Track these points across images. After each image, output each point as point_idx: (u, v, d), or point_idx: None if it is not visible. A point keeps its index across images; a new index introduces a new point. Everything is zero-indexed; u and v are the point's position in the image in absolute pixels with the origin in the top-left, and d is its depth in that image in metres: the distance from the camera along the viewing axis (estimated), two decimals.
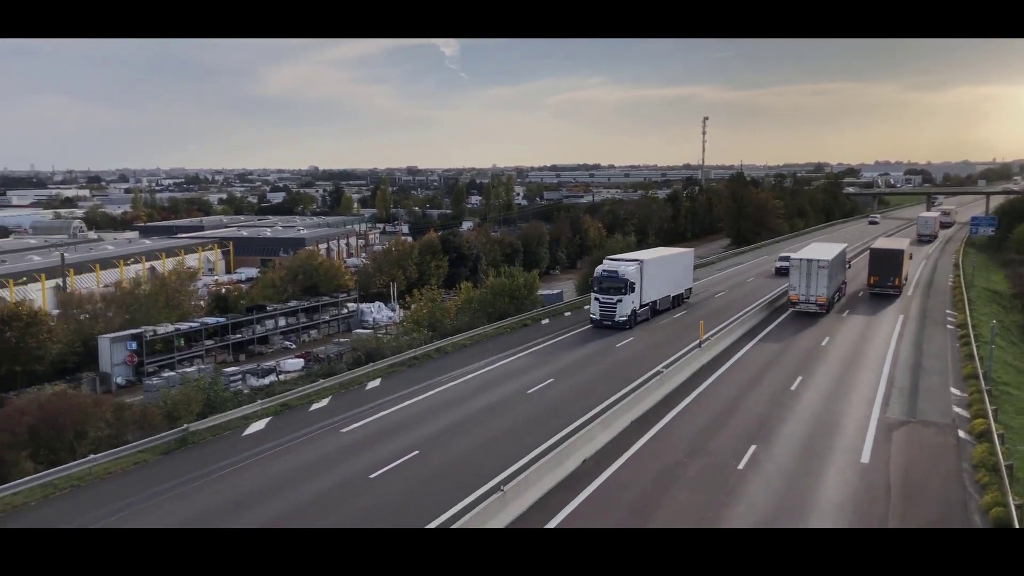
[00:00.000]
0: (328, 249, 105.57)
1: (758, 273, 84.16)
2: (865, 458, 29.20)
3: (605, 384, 39.54)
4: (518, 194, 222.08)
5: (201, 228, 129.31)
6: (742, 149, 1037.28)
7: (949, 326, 54.05)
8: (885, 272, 66.66)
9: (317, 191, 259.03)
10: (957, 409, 35.12)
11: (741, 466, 28.28)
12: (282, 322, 58.22)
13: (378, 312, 65.57)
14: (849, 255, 77.55)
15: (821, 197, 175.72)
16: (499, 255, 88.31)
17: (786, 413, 34.74)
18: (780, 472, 27.80)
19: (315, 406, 37.08)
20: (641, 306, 54.88)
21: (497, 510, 23.16)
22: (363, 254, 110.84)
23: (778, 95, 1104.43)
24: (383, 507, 25.23)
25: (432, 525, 23.38)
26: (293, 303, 60.55)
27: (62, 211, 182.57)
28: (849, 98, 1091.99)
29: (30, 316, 45.66)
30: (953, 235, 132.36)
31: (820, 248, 65.88)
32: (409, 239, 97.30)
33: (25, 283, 71.16)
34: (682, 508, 24.82)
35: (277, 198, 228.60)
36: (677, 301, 62.22)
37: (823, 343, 49.07)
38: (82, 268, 79.10)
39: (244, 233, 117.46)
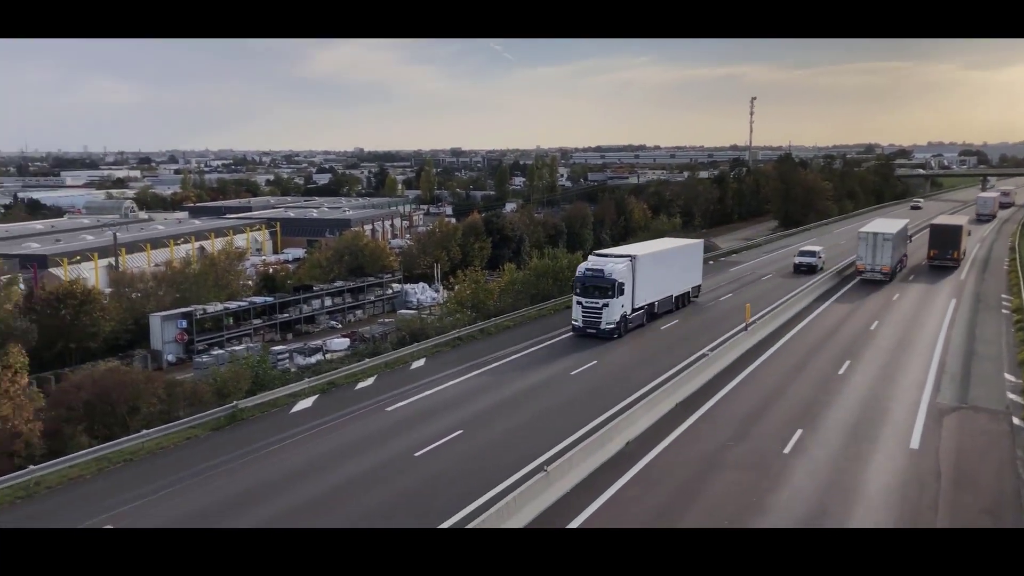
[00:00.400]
0: (373, 230, 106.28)
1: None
2: (915, 444, 28.75)
3: (646, 368, 39.39)
4: (562, 175, 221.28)
5: (249, 209, 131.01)
6: (791, 130, 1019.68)
7: (1004, 311, 52.81)
8: (945, 246, 72.38)
9: (362, 173, 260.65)
10: (1012, 396, 34.38)
11: (787, 451, 28.03)
12: (328, 302, 58.89)
13: (422, 293, 65.93)
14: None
15: (871, 179, 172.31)
16: (542, 236, 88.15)
17: (833, 397, 34.32)
18: (827, 457, 27.50)
19: (361, 385, 37.51)
20: (633, 310, 47.33)
21: (541, 490, 23.26)
22: (407, 235, 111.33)
23: (828, 75, 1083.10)
24: (428, 485, 25.49)
25: (479, 503, 23.59)
26: (339, 283, 61.14)
27: (114, 192, 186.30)
28: (901, 78, 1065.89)
29: (84, 294, 46.71)
30: (1011, 216, 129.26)
31: (885, 223, 72.35)
32: (453, 220, 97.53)
33: (79, 262, 72.84)
34: (726, 491, 24.69)
35: (323, 179, 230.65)
36: (682, 301, 54.65)
37: (872, 327, 48.31)
38: (134, 247, 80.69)
39: (291, 214, 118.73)
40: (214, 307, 50.76)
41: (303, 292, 57.56)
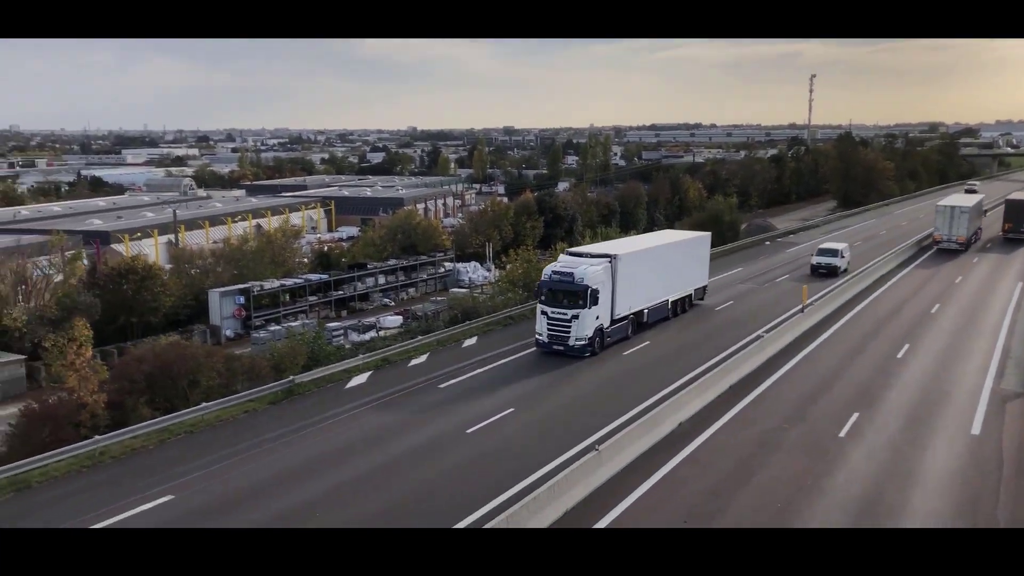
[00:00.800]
0: (426, 209, 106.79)
1: (865, 237, 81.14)
2: (976, 430, 28.10)
3: (699, 350, 39.06)
4: (616, 154, 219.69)
5: (304, 187, 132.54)
6: (851, 108, 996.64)
7: None
8: (1019, 220, 76.00)
9: (415, 151, 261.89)
10: None
11: (842, 434, 27.62)
12: (381, 280, 59.50)
13: (474, 272, 66.21)
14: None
15: (935, 158, 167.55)
16: (595, 216, 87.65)
17: (891, 381, 33.68)
18: (884, 441, 27.02)
19: (414, 362, 37.85)
20: (613, 321, 39.23)
21: (593, 468, 23.28)
22: (459, 214, 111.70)
23: (890, 51, 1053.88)
24: (480, 461, 25.69)
25: (531, 480, 23.69)
26: (392, 261, 61.71)
27: (173, 169, 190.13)
28: (969, 54, 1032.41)
29: (145, 270, 47.85)
30: None
31: (961, 198, 79.62)
32: (505, 199, 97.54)
33: (140, 238, 74.58)
34: (780, 474, 24.43)
35: (377, 158, 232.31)
36: (682, 306, 46.54)
37: (932, 310, 47.18)
38: (192, 224, 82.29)
39: (345, 192, 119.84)
40: (271, 284, 51.66)
41: (357, 270, 58.27)
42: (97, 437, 27.22)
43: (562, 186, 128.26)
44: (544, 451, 26.11)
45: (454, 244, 70.85)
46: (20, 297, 43.14)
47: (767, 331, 40.40)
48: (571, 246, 64.87)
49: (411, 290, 61.75)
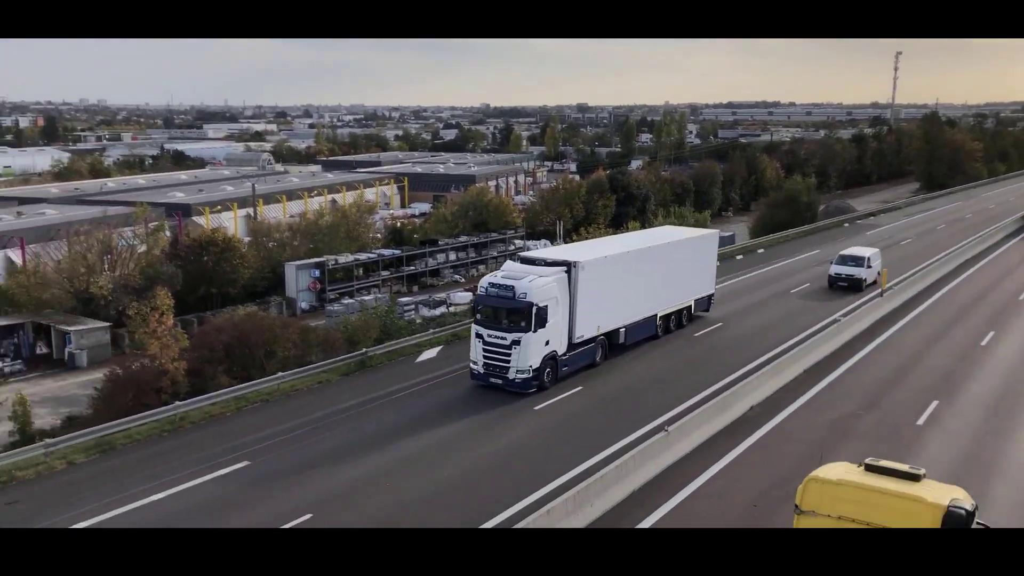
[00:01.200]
0: (497, 186, 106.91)
1: (949, 220, 78.41)
2: None
3: (775, 332, 38.35)
4: (691, 132, 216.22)
5: (378, 163, 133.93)
6: (938, 86, 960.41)
7: None
8: None
9: (488, 128, 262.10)
10: None
11: (920, 422, 26.87)
12: (452, 256, 59.97)
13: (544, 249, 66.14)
14: None
15: None
16: (669, 195, 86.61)
17: (974, 369, 32.60)
18: (964, 430, 26.21)
19: None
20: (573, 345, 31.33)
21: (661, 449, 23.16)
22: (530, 191, 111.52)
23: None
24: (547, 438, 25.85)
25: (597, 459, 23.68)
26: (463, 238, 62.10)
27: (252, 144, 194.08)
28: None
29: (225, 242, 49.16)
30: None
31: None
32: (576, 177, 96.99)
33: (220, 211, 76.48)
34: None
35: (450, 135, 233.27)
36: (677, 321, 38.27)
37: (1021, 296, 45.40)
38: (270, 199, 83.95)
39: (418, 169, 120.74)
40: (345, 258, 52.57)
41: (428, 246, 58.86)
42: (177, 403, 28.17)
43: (635, 164, 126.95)
44: (613, 430, 26.05)
45: (525, 222, 70.86)
46: (106, 266, 44.70)
47: (843, 315, 39.44)
48: (644, 225, 64.55)
49: (481, 267, 62.03)
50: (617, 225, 71.47)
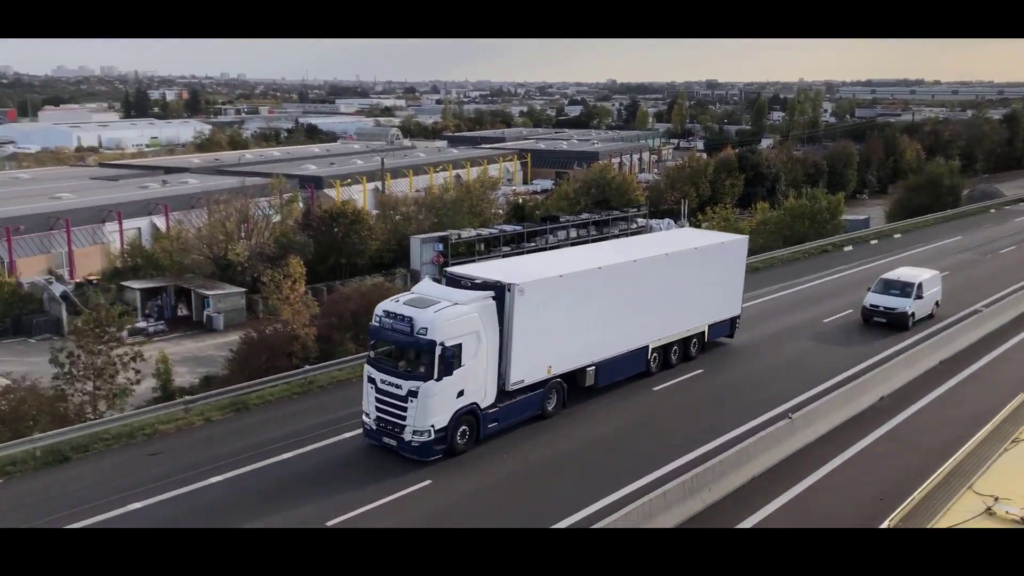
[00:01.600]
0: (620, 163, 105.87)
1: None
2: None
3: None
4: (826, 110, 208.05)
5: (502, 139, 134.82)
6: None
7: None
8: None
9: (613, 105, 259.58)
10: None
11: None
12: (573, 233, 59.77)
13: (667, 229, 65.20)
14: None
15: None
16: (800, 175, 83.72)
17: None
18: None
19: None
20: (504, 395, 24.00)
21: (784, 436, 22.57)
22: (655, 169, 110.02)
23: None
24: (672, 417, 25.62)
25: (715, 444, 23.31)
26: (585, 215, 61.85)
27: (381, 119, 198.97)
28: None
29: (354, 214, 50.70)
30: None
31: None
32: (703, 155, 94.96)
33: (350, 184, 78.74)
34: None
35: (574, 111, 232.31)
36: (682, 351, 30.40)
37: None
38: (397, 173, 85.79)
39: (542, 145, 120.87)
40: (468, 232, 53.26)
41: (550, 222, 58.87)
42: (307, 367, 29.32)
43: (766, 143, 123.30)
44: (740, 413, 25.50)
45: (648, 200, 69.96)
46: (243, 234, 46.81)
47: (985, 306, 37.24)
48: (772, 206, 62.64)
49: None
50: (744, 205, 69.79)
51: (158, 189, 66.72)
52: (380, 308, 23.38)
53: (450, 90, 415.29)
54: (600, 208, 64.36)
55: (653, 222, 65.76)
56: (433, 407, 21.98)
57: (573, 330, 25.80)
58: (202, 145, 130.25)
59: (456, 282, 24.61)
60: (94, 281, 48.33)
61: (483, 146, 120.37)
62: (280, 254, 43.65)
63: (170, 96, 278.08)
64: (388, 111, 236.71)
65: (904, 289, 35.66)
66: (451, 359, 21.98)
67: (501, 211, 63.43)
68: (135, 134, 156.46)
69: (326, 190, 74.65)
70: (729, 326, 32.61)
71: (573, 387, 26.34)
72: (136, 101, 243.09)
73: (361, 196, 75.17)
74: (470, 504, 20.52)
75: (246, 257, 44.45)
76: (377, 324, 23.15)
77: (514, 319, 23.52)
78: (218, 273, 45.02)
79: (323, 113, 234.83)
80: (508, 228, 56.47)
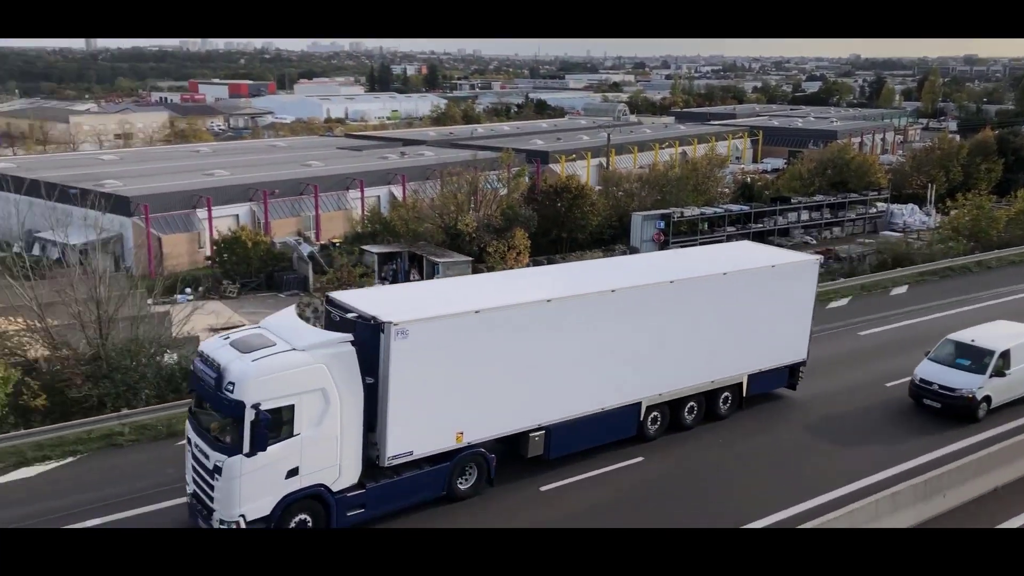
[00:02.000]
0: (861, 143, 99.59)
1: None
2: None
3: None
4: None
5: (733, 116, 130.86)
6: None
7: None
8: None
9: (856, 81, 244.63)
10: None
11: None
12: (804, 216, 57.24)
13: (910, 215, 60.88)
14: None
15: None
16: None
17: None
18: None
19: (832, 304, 36.12)
20: (383, 472, 18.04)
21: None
22: (900, 151, 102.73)
23: None
24: (895, 420, 24.21)
25: (951, 449, 21.62)
26: (818, 198, 58.90)
27: (609, 95, 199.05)
28: None
29: (578, 189, 51.22)
30: None
31: None
32: (956, 137, 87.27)
33: (574, 160, 79.50)
34: None
35: (812, 87, 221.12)
36: (707, 407, 23.38)
37: None
38: (622, 149, 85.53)
39: (774, 123, 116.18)
40: (691, 211, 52.34)
41: (779, 204, 56.64)
42: None
43: None
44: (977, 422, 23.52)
45: (890, 183, 65.39)
46: (472, 206, 48.63)
47: None
48: None
49: (836, 229, 58.53)
50: (1003, 193, 63.61)
51: (396, 160, 70.57)
52: (201, 347, 18.37)
53: (681, 65, 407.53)
54: (836, 190, 60.98)
55: (894, 207, 61.56)
56: (244, 491, 16.10)
57: (503, 383, 19.21)
58: (438, 119, 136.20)
59: (328, 313, 19.13)
60: (336, 244, 52.08)
61: (712, 122, 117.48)
62: (506, 226, 44.96)
63: (411, 71, 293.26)
64: (616, 86, 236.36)
65: (976, 358, 24.23)
66: (268, 427, 16.06)
67: (728, 190, 61.70)
68: (378, 107, 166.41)
69: (551, 165, 75.87)
70: (788, 374, 25.20)
71: (516, 457, 20.04)
72: (380, 75, 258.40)
73: (585, 171, 75.75)
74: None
75: (474, 228, 46.10)
76: (194, 367, 17.77)
77: (390, 370, 17.35)
78: (448, 242, 47.05)
79: (553, 88, 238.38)
80: (734, 208, 54.91)
